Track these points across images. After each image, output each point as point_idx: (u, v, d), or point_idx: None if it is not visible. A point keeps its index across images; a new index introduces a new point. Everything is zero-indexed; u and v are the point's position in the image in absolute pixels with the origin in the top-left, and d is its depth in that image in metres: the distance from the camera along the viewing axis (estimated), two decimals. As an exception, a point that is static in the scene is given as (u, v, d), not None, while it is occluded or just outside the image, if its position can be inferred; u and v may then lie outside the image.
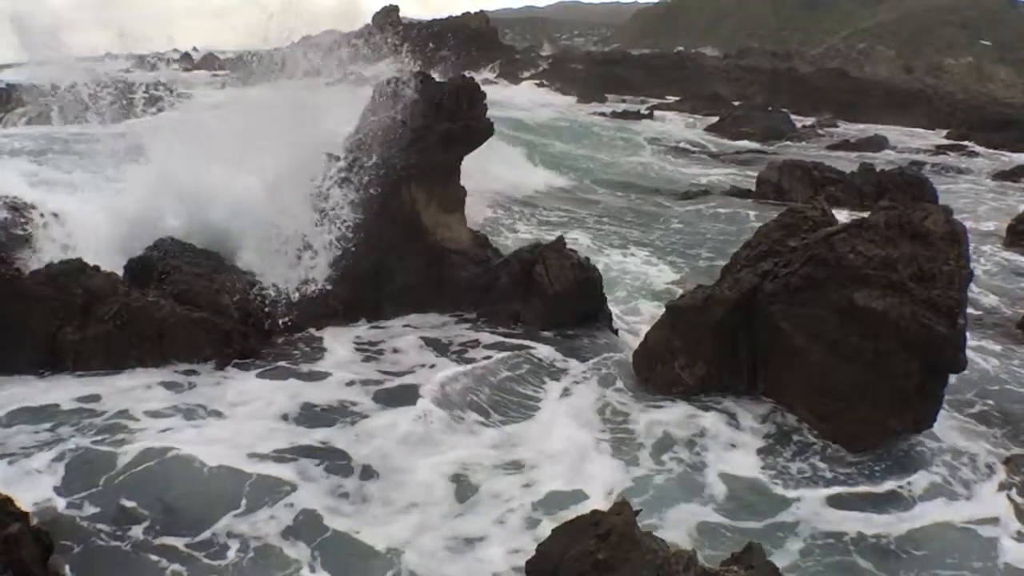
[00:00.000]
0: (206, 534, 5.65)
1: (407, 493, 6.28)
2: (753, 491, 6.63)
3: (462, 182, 10.81)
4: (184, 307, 8.43)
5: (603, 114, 38.68)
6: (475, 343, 9.15)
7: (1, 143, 18.61)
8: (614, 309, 10.19)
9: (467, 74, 11.26)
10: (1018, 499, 6.63)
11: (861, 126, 38.48)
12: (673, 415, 7.67)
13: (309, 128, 10.58)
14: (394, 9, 53.93)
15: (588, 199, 19.09)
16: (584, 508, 5.54)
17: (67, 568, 5.23)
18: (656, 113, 39.54)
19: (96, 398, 7.39)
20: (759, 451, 7.20)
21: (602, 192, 20.30)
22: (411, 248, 10.03)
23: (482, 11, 66.25)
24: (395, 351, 8.94)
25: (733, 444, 7.27)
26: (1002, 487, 6.80)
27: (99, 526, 5.63)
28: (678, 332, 8.15)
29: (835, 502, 6.47)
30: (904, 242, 7.39)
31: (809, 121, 39.28)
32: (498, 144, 19.75)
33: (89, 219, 10.11)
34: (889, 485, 6.72)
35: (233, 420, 7.22)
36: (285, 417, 7.35)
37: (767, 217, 10.89)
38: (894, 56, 67.86)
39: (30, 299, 8.00)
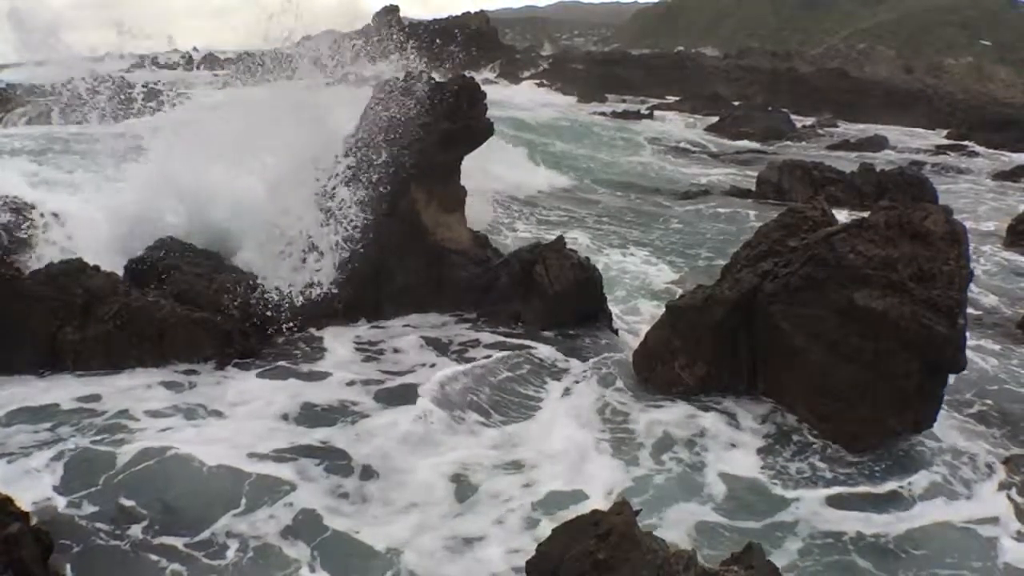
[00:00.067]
0: (205, 534, 5.65)
1: (407, 493, 6.28)
2: (753, 491, 6.63)
3: (465, 182, 10.79)
4: (184, 307, 8.43)
5: (603, 114, 38.69)
6: (475, 343, 9.15)
7: (1, 143, 18.60)
8: (614, 309, 10.19)
9: (467, 74, 11.25)
10: (1018, 499, 6.64)
11: (861, 126, 38.49)
12: (673, 415, 7.67)
13: (311, 127, 10.51)
14: (394, 9, 53.95)
15: (588, 199, 19.09)
16: (584, 508, 5.54)
17: (67, 568, 5.22)
18: (656, 113, 39.55)
19: (96, 398, 7.39)
20: (759, 451, 7.20)
21: (602, 192, 20.30)
22: (411, 248, 10.02)
23: (482, 11, 66.26)
24: (395, 351, 8.94)
25: (733, 444, 7.27)
26: (1002, 487, 6.80)
27: (99, 525, 5.63)
28: (678, 332, 8.15)
29: (834, 502, 6.47)
30: (904, 242, 7.39)
31: (809, 121, 39.29)
32: (501, 144, 19.82)
33: (89, 219, 10.10)
34: (889, 485, 6.72)
35: (233, 420, 7.22)
36: (285, 417, 7.35)
37: (767, 217, 10.89)
38: (894, 56, 67.89)
39: (30, 299, 8.00)
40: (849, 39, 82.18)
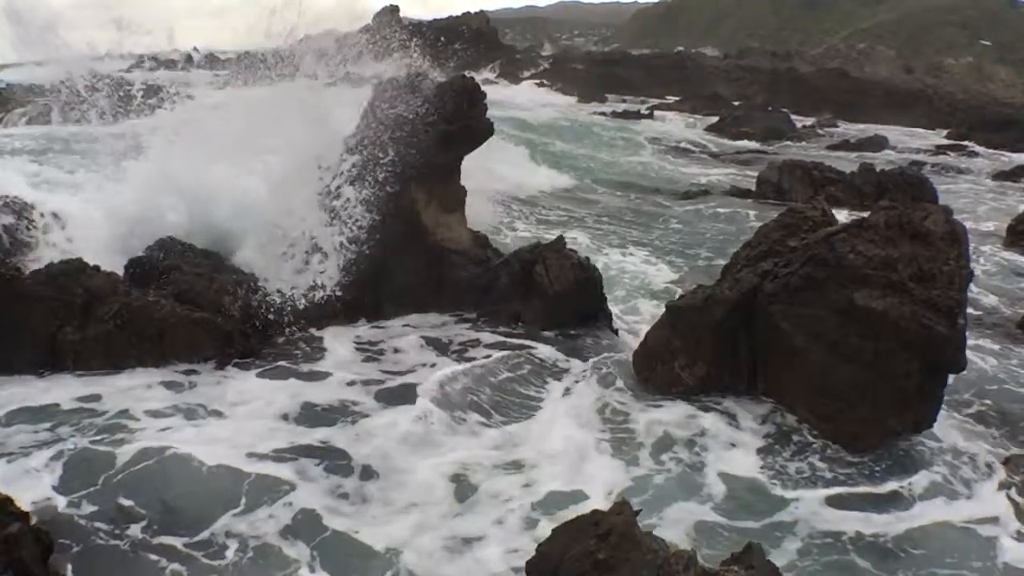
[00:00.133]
0: (205, 533, 5.65)
1: (406, 493, 6.28)
2: (752, 491, 6.63)
3: (466, 182, 10.75)
4: (184, 307, 8.43)
5: (603, 114, 38.69)
6: (475, 343, 9.15)
7: (1, 143, 18.59)
8: (614, 309, 10.19)
9: (467, 74, 11.24)
10: (1018, 499, 6.63)
11: (861, 126, 38.50)
12: (673, 415, 7.67)
13: (314, 126, 10.44)
14: (395, 9, 53.91)
15: (588, 199, 19.09)
16: (584, 508, 5.54)
17: (67, 568, 5.22)
18: (656, 113, 39.55)
19: (96, 398, 7.39)
20: (759, 451, 7.20)
21: (602, 192, 20.30)
22: (411, 248, 10.02)
23: (482, 11, 66.24)
24: (396, 351, 8.94)
25: (733, 444, 7.27)
26: (1002, 487, 6.79)
27: (99, 525, 5.63)
28: (678, 332, 8.15)
29: (834, 502, 6.47)
30: (904, 242, 7.39)
31: (809, 121, 39.30)
32: (502, 144, 19.82)
33: (89, 219, 10.09)
34: (889, 485, 6.72)
35: (233, 420, 7.22)
36: (285, 417, 7.35)
37: (767, 217, 10.89)
38: (894, 56, 67.89)
39: (30, 299, 8.00)
40: (849, 39, 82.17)
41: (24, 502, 5.29)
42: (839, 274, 7.37)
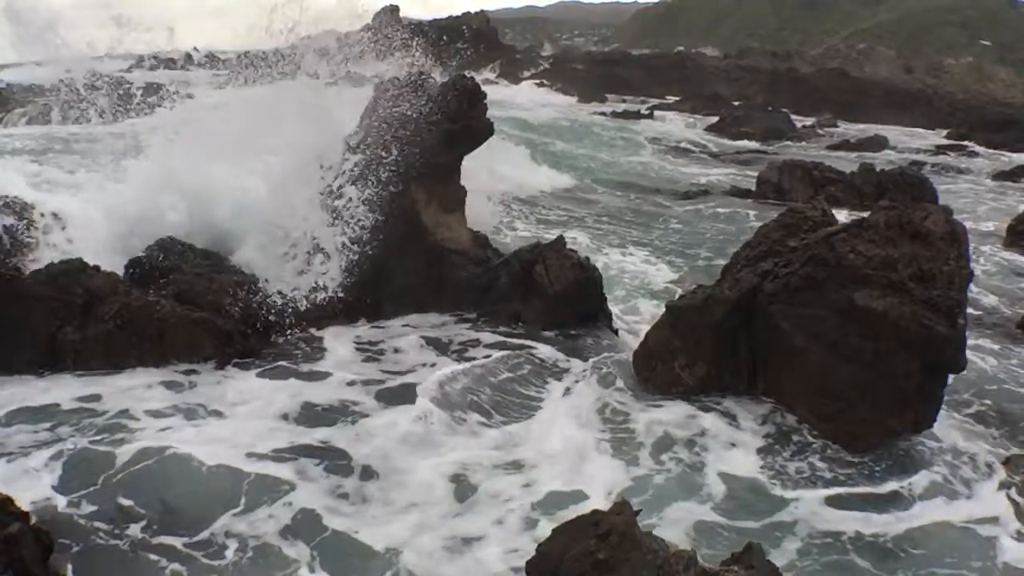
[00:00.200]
0: (205, 533, 5.65)
1: (406, 493, 6.28)
2: (752, 491, 6.63)
3: (469, 182, 10.72)
4: (184, 307, 8.43)
5: (603, 114, 38.68)
6: (475, 343, 9.15)
7: (1, 143, 18.59)
8: (613, 309, 10.19)
9: (467, 74, 11.23)
10: (1018, 499, 6.63)
11: (861, 126, 38.49)
12: (673, 415, 7.67)
13: (315, 125, 10.37)
14: (395, 9, 53.90)
15: (588, 199, 19.09)
16: (584, 508, 5.54)
17: (67, 568, 5.22)
18: (656, 113, 39.52)
19: (96, 398, 7.39)
20: (759, 451, 7.20)
21: (602, 191, 20.30)
22: (411, 248, 10.01)
23: (482, 11, 66.23)
24: (396, 351, 8.94)
25: (733, 444, 7.27)
26: (1002, 486, 6.79)
27: (99, 525, 5.63)
28: (678, 332, 8.15)
29: (834, 502, 6.47)
30: (904, 242, 7.39)
31: (809, 121, 39.29)
32: (505, 144, 19.82)
33: (89, 219, 10.08)
34: (888, 485, 6.72)
35: (233, 420, 7.22)
36: (285, 417, 7.35)
37: (767, 217, 10.89)
38: (894, 56, 67.89)
39: (30, 299, 8.01)
40: (849, 39, 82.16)
41: (24, 502, 5.29)
42: (839, 274, 7.37)
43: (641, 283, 12.05)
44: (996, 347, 9.91)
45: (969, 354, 7.58)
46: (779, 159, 22.32)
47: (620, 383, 8.24)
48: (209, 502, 5.96)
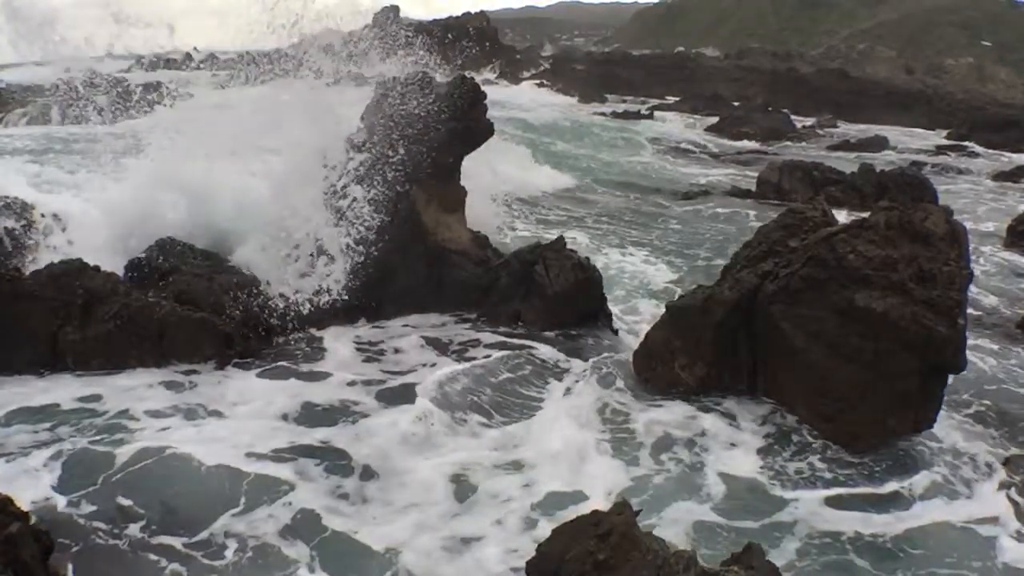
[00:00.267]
0: (204, 533, 5.65)
1: (406, 493, 6.28)
2: (752, 491, 6.63)
3: (472, 182, 10.65)
4: (185, 307, 8.42)
5: (604, 114, 38.67)
6: (475, 343, 9.15)
7: (1, 143, 18.60)
8: (613, 308, 10.19)
9: (467, 74, 11.21)
10: (1018, 499, 6.64)
11: (861, 126, 38.48)
12: (673, 415, 7.67)
13: (318, 124, 10.27)
14: (395, 9, 53.89)
15: (588, 199, 19.09)
16: (584, 508, 5.54)
17: (68, 568, 5.22)
18: (656, 113, 39.52)
19: (97, 398, 7.40)
20: (759, 451, 7.20)
21: (602, 192, 20.30)
22: (412, 248, 10.01)
23: (482, 11, 66.17)
24: (396, 351, 8.94)
25: (733, 444, 7.27)
26: (1002, 486, 6.80)
27: (99, 525, 5.63)
28: (678, 332, 8.15)
29: (833, 502, 6.48)
30: (904, 243, 7.39)
31: (809, 121, 39.27)
32: (507, 145, 19.80)
33: (89, 219, 10.08)
34: (888, 485, 6.73)
35: (233, 420, 7.22)
36: (285, 417, 7.35)
37: (767, 217, 10.89)
38: (894, 56, 67.89)
39: (30, 299, 8.01)
40: (849, 39, 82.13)
41: (24, 502, 5.29)
42: (839, 275, 7.37)
43: (641, 283, 12.05)
44: (996, 347, 9.92)
45: (969, 354, 7.58)
46: (779, 159, 22.33)
47: (620, 383, 8.24)
48: (209, 502, 5.96)
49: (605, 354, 8.91)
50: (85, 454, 6.39)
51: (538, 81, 55.72)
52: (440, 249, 10.13)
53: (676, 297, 9.79)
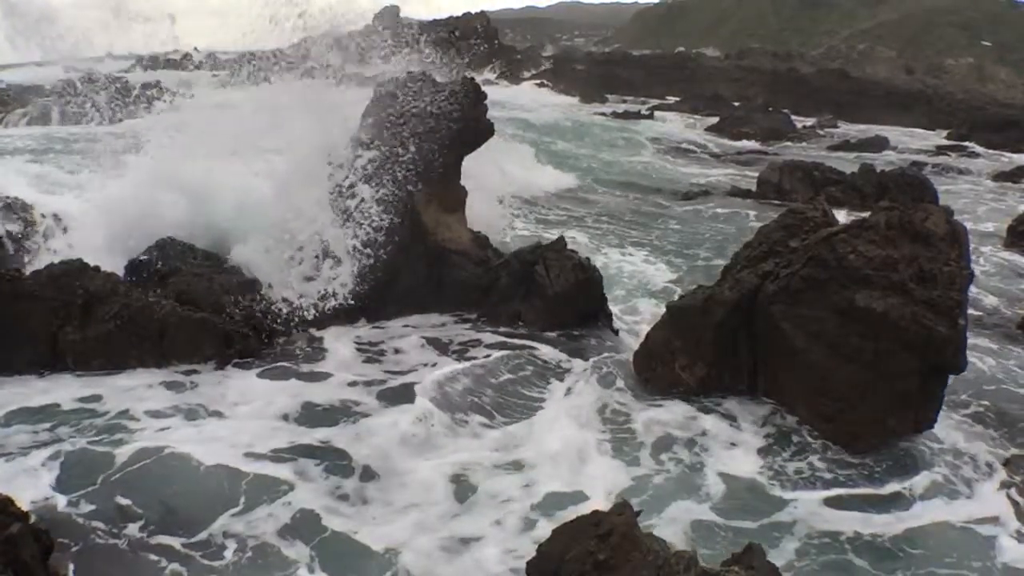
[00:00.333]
0: (204, 533, 5.65)
1: (406, 493, 6.28)
2: (752, 491, 6.63)
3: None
4: (185, 307, 8.42)
5: (604, 114, 38.66)
6: (476, 343, 9.14)
7: (2, 143, 18.60)
8: (613, 308, 10.18)
9: (467, 74, 11.20)
10: (1018, 499, 6.63)
11: (862, 126, 38.46)
12: (673, 415, 7.67)
13: (321, 122, 10.15)
14: (395, 9, 53.86)
15: (588, 199, 19.08)
16: (584, 508, 5.54)
17: (68, 568, 5.22)
18: (657, 113, 39.51)
19: (96, 398, 7.40)
20: (759, 451, 7.20)
21: (602, 191, 20.29)
22: (412, 248, 10.00)
23: (483, 11, 66.17)
24: (396, 351, 8.94)
25: (733, 444, 7.27)
26: (1002, 487, 6.80)
27: (99, 525, 5.63)
28: (678, 332, 8.15)
29: (833, 502, 6.47)
30: (905, 243, 7.39)
31: (810, 121, 39.25)
32: (510, 144, 19.79)
33: (90, 219, 10.07)
34: (888, 485, 6.72)
35: (233, 420, 7.23)
36: (286, 417, 7.35)
37: (767, 217, 10.89)
38: (895, 56, 67.87)
39: (30, 299, 8.01)
40: (850, 39, 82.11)
41: (24, 502, 5.30)
42: (840, 275, 7.37)
43: (641, 283, 12.04)
44: (996, 347, 9.91)
45: (969, 354, 7.57)
46: (779, 159, 22.32)
47: (620, 383, 8.24)
48: (209, 502, 5.96)
49: (605, 354, 8.90)
50: (85, 454, 6.40)
51: (539, 81, 55.69)
52: (440, 249, 10.12)
53: (676, 297, 9.79)
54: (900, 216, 7.54)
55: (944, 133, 37.08)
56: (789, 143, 32.18)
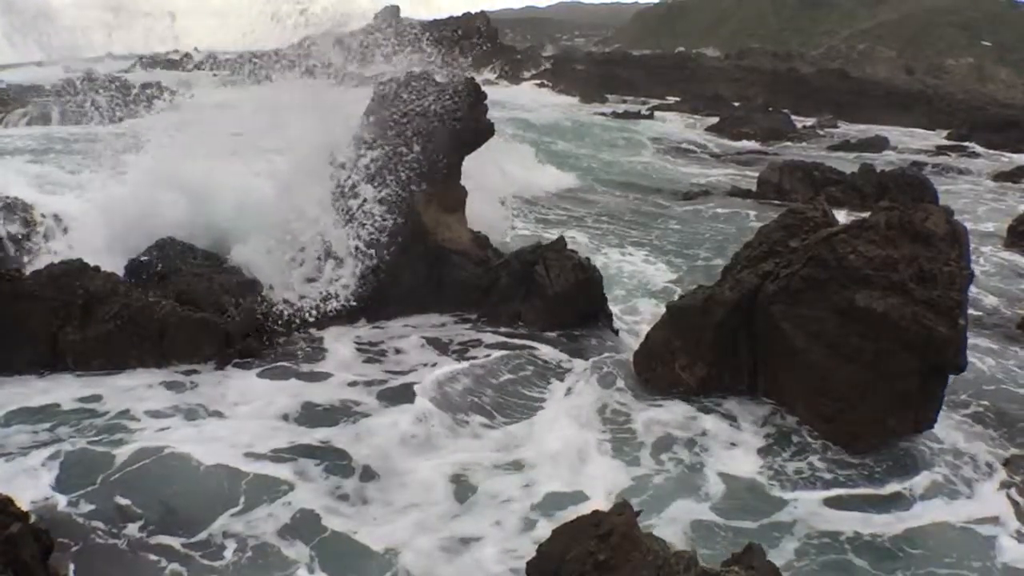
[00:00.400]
0: (203, 533, 5.66)
1: (406, 493, 6.28)
2: (752, 491, 6.63)
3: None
4: (185, 307, 8.42)
5: (604, 114, 38.67)
6: (476, 343, 9.14)
7: (2, 143, 18.60)
8: (613, 308, 10.17)
9: (467, 74, 11.18)
10: (1018, 499, 6.63)
11: (862, 127, 38.47)
12: (673, 415, 7.67)
13: (323, 122, 10.11)
14: (395, 9, 53.84)
15: (588, 199, 19.08)
16: (584, 508, 5.54)
17: (68, 567, 5.22)
18: (657, 114, 39.53)
19: (97, 398, 7.40)
20: (759, 451, 7.20)
21: (603, 191, 20.30)
22: (412, 248, 10.00)
23: (483, 11, 66.15)
24: (397, 351, 8.93)
25: (733, 445, 7.27)
26: (1002, 487, 6.80)
27: (99, 525, 5.63)
28: (679, 332, 8.15)
29: (833, 502, 6.47)
30: (905, 243, 7.39)
31: (810, 121, 39.26)
32: (511, 144, 19.78)
33: (90, 219, 10.07)
34: (888, 485, 6.72)
35: (234, 420, 7.23)
36: (286, 417, 7.35)
37: (767, 217, 10.88)
38: (895, 56, 67.87)
39: (31, 299, 8.01)
40: (850, 40, 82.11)
41: (24, 502, 5.30)
42: (840, 275, 7.37)
43: (641, 283, 12.04)
44: (996, 347, 9.91)
45: (969, 354, 7.57)
46: (779, 159, 22.32)
47: (621, 383, 8.24)
48: (208, 502, 5.96)
49: (605, 354, 8.90)
50: (85, 454, 6.40)
51: (539, 81, 55.72)
52: (440, 249, 10.12)
53: (676, 297, 9.78)
54: (900, 216, 7.54)
55: (944, 133, 37.08)
56: (789, 143, 32.18)
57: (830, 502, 6.47)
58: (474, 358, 8.64)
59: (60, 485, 6.01)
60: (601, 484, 6.52)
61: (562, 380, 8.37)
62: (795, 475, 6.86)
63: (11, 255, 8.93)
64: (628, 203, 18.73)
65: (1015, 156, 29.59)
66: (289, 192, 9.74)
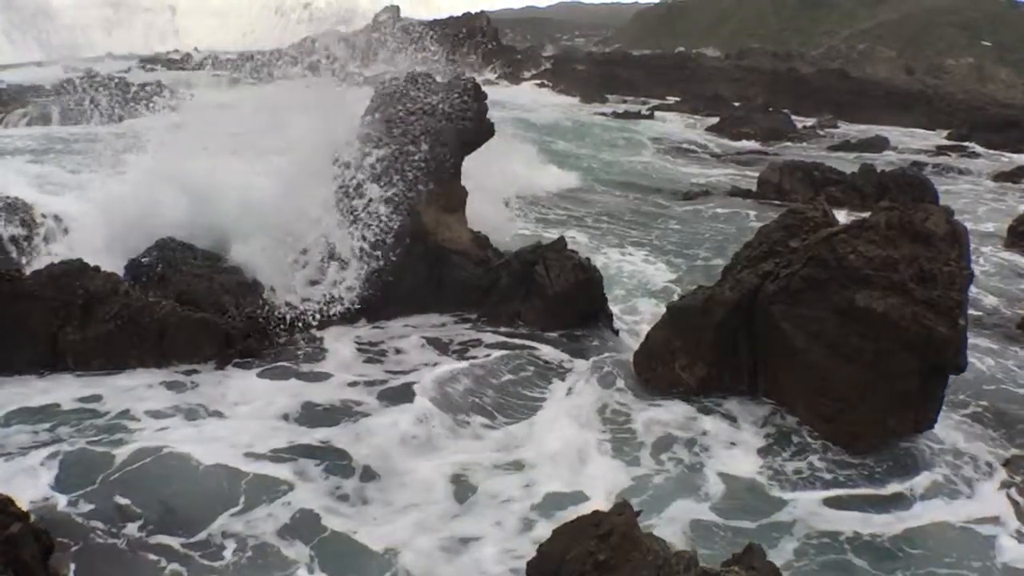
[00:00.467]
0: (203, 533, 5.65)
1: (406, 493, 6.28)
2: (752, 491, 6.63)
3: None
4: (185, 307, 8.42)
5: (605, 114, 38.68)
6: (476, 343, 9.14)
7: (2, 143, 18.60)
8: (613, 308, 10.17)
9: (466, 74, 11.18)
10: (1018, 499, 6.63)
11: (862, 127, 38.47)
12: (673, 415, 7.67)
13: (327, 121, 10.05)
14: (396, 9, 53.81)
15: (589, 198, 19.08)
16: (584, 508, 5.54)
17: (69, 567, 5.22)
18: (657, 114, 39.54)
19: (97, 398, 7.40)
20: (759, 452, 7.20)
21: (603, 191, 20.30)
22: (413, 248, 9.99)
23: (483, 11, 66.15)
24: (397, 351, 8.93)
25: (733, 445, 7.27)
26: (1002, 487, 6.80)
27: (99, 525, 5.63)
28: (679, 332, 8.15)
29: (833, 502, 6.47)
30: (905, 243, 7.39)
31: (810, 122, 39.26)
32: (513, 144, 19.77)
33: (90, 219, 10.06)
34: (888, 485, 6.72)
35: (234, 420, 7.22)
36: (286, 417, 7.35)
37: (767, 217, 10.88)
38: (895, 57, 67.87)
39: (30, 299, 8.01)
40: (850, 40, 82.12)
41: (24, 502, 5.30)
42: (840, 275, 7.37)
43: (641, 283, 12.04)
44: (996, 347, 9.92)
45: (969, 354, 7.56)
46: (780, 160, 22.32)
47: (621, 383, 8.23)
48: (208, 502, 5.96)
49: (605, 354, 8.90)
50: (85, 454, 6.40)
51: (539, 81, 55.74)
52: (440, 249, 10.12)
53: (676, 297, 9.79)
54: (900, 216, 7.54)
55: (944, 133, 37.08)
56: (789, 143, 32.18)
57: (830, 502, 6.47)
58: (474, 358, 8.64)
59: (60, 485, 6.01)
60: (601, 484, 6.52)
61: (562, 380, 8.37)
62: (795, 475, 6.86)
63: (12, 255, 8.92)
64: (628, 203, 18.73)
65: (1015, 156, 29.59)
66: (292, 192, 9.65)
